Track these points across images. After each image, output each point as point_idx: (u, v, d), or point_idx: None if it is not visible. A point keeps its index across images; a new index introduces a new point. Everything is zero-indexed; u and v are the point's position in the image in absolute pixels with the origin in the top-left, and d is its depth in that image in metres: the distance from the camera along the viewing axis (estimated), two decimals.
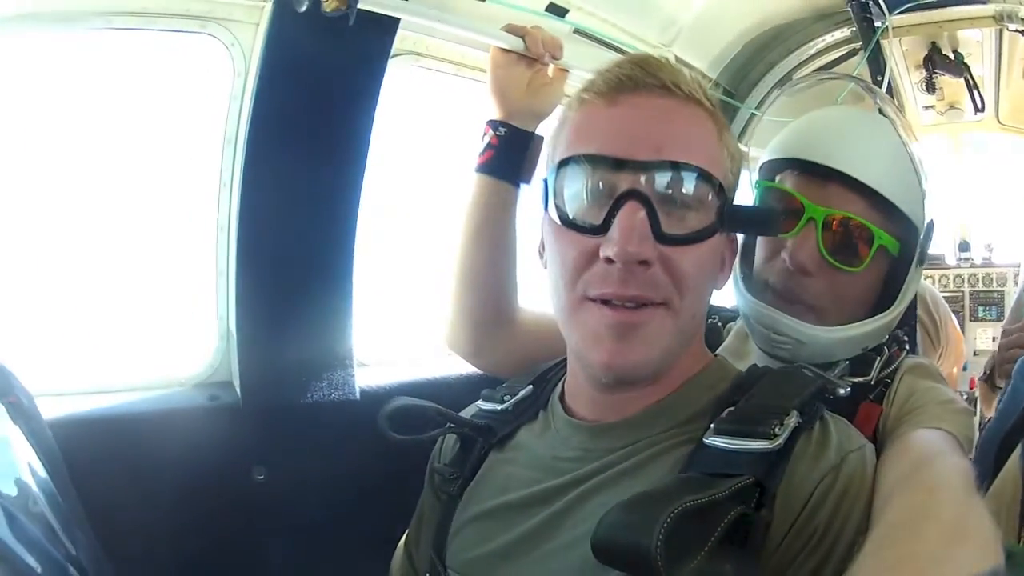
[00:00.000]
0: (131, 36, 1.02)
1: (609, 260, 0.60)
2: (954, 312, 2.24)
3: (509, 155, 0.94)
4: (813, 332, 0.84)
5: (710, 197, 0.63)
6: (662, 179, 0.61)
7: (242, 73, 1.05)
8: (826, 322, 0.85)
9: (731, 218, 0.65)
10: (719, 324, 1.01)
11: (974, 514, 0.55)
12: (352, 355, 1.20)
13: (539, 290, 0.73)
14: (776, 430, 0.58)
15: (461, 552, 0.72)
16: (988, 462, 0.78)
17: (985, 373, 1.44)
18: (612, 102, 0.63)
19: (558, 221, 0.65)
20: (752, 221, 0.72)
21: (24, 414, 0.61)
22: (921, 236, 0.88)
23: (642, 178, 0.61)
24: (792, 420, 0.59)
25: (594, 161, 0.62)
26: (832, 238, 0.83)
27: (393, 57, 1.14)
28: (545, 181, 0.67)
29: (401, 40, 1.14)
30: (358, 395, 1.20)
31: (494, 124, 0.96)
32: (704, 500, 0.52)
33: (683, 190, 0.62)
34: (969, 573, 0.47)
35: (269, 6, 1.01)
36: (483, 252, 0.95)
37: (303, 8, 0.93)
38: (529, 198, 0.93)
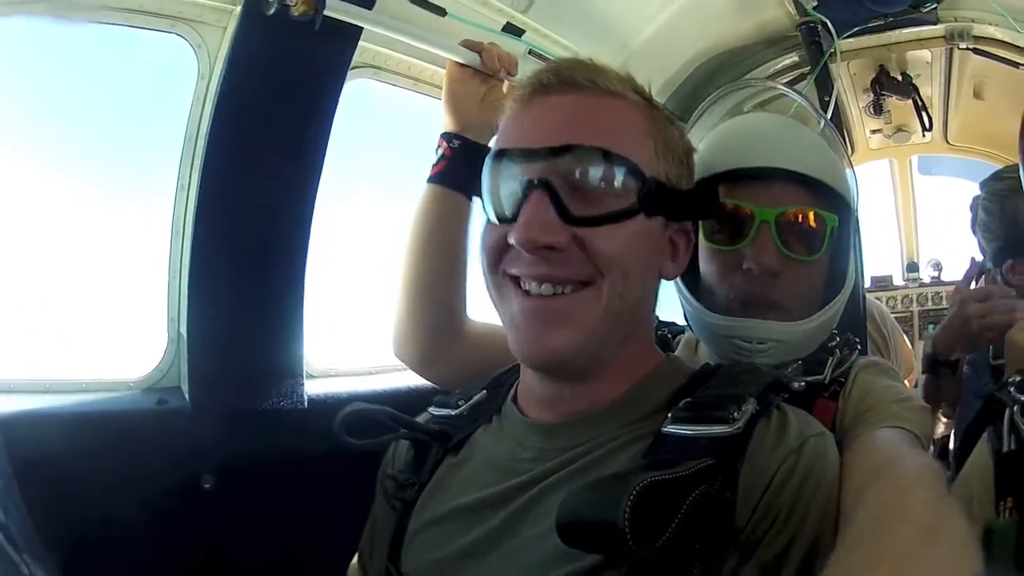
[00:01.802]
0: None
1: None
2: (904, 331, 2.38)
3: (462, 167, 0.99)
4: (791, 328, 0.88)
5: (623, 178, 0.65)
6: (565, 163, 0.64)
7: (206, 75, 1.10)
8: (794, 317, 0.89)
9: (667, 204, 0.68)
10: (668, 336, 1.06)
11: (947, 512, 0.56)
12: (302, 364, 1.24)
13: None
14: (735, 415, 0.61)
15: (418, 556, 0.73)
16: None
17: (927, 361, 1.32)
18: (527, 105, 0.68)
19: (486, 218, 0.70)
20: (687, 204, 0.73)
21: None
22: (856, 212, 0.96)
23: (546, 164, 0.64)
24: (750, 407, 0.63)
25: (504, 156, 0.67)
26: (788, 234, 0.87)
27: (353, 69, 1.21)
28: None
29: (361, 53, 1.21)
30: (306, 404, 1.24)
31: (448, 136, 1.02)
32: (668, 477, 0.55)
33: (590, 172, 0.64)
34: (944, 571, 0.49)
35: (238, 10, 1.07)
36: (434, 262, 0.99)
37: (272, 11, 0.99)
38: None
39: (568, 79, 0.67)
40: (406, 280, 1.02)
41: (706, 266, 0.93)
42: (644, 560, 0.54)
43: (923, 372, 1.35)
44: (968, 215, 1.46)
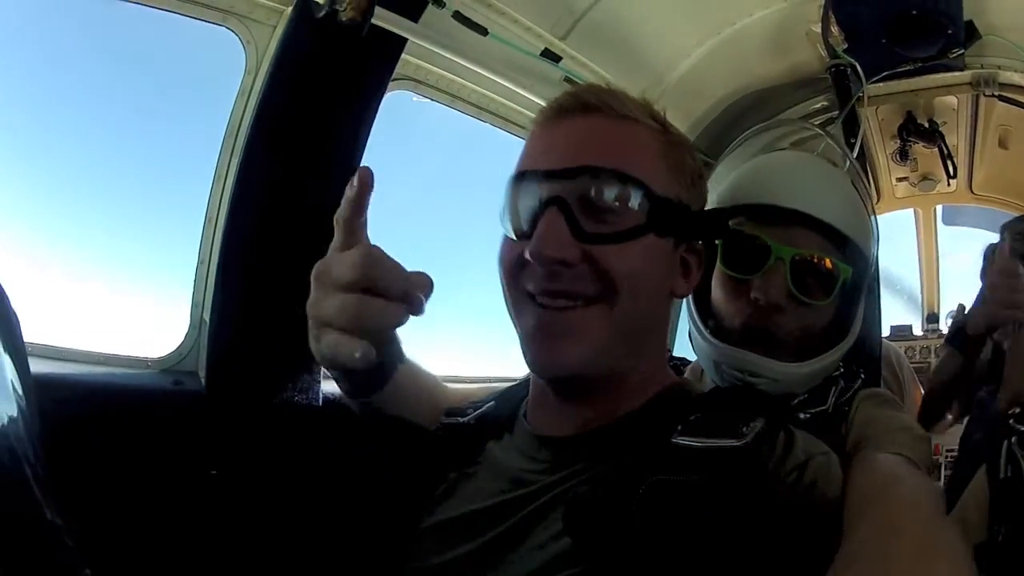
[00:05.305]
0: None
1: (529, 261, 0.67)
2: (921, 383, 2.37)
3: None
4: (787, 369, 0.91)
5: (634, 198, 0.68)
6: (579, 184, 0.67)
7: (253, 71, 1.16)
8: (792, 357, 0.92)
9: (677, 223, 0.71)
10: (680, 366, 1.09)
11: (945, 532, 0.58)
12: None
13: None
14: (744, 430, 0.63)
15: (423, 560, 0.74)
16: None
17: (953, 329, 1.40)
18: (547, 127, 0.73)
19: (506, 235, 0.73)
20: (698, 224, 0.76)
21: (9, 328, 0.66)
22: (872, 268, 0.99)
23: (561, 185, 0.67)
24: (759, 424, 0.64)
25: (522, 177, 0.71)
26: (800, 275, 0.91)
27: (394, 80, 1.26)
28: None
29: (403, 65, 1.26)
30: (321, 403, 1.25)
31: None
32: (677, 480, 0.57)
33: (603, 191, 0.67)
34: None
35: (288, 10, 1.13)
36: None
37: (321, 14, 1.04)
38: None
39: (585, 102, 0.71)
40: None
41: (717, 289, 0.97)
42: (646, 558, 0.56)
43: (946, 342, 1.40)
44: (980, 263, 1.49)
